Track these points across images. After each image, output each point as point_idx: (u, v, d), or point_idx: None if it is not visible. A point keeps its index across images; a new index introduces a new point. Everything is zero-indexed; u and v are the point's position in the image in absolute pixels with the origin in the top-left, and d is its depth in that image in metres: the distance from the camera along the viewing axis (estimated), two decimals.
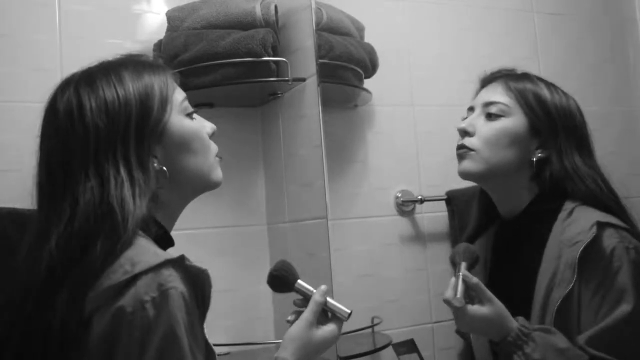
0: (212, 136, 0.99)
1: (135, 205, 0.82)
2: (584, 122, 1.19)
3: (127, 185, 0.82)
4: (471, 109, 1.23)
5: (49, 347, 0.75)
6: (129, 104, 0.87)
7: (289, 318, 1.00)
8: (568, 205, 1.12)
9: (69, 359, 0.75)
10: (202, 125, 0.97)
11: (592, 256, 1.04)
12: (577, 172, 1.12)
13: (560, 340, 1.02)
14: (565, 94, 1.21)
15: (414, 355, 1.50)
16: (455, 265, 1.09)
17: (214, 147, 0.99)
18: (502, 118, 1.17)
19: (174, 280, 0.76)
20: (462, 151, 1.19)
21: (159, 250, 0.83)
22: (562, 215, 1.12)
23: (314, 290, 1.00)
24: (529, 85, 1.19)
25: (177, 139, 0.92)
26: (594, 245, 1.04)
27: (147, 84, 0.90)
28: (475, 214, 1.30)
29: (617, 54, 1.87)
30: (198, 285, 0.80)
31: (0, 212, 1.23)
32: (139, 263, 0.77)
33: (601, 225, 1.05)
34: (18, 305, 0.80)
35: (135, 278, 0.75)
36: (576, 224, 1.08)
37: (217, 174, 0.98)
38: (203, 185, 0.97)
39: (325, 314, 1.00)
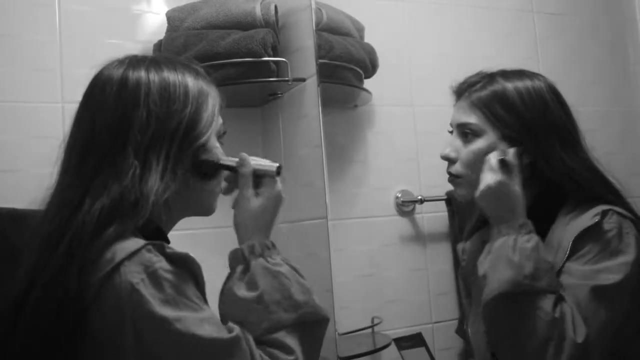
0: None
1: (156, 201, 0.82)
2: (562, 112, 1.15)
3: (159, 182, 0.83)
4: (452, 127, 1.21)
5: (63, 316, 0.75)
6: (186, 106, 0.88)
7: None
8: (571, 203, 1.12)
9: (79, 336, 0.75)
10: (224, 154, 0.97)
11: (588, 236, 1.04)
12: (570, 173, 1.10)
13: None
14: (534, 82, 1.15)
15: (422, 350, 1.48)
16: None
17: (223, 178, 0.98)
18: (476, 139, 1.15)
19: (158, 261, 0.78)
20: (450, 179, 1.20)
21: (140, 240, 0.82)
22: (563, 211, 1.11)
23: (236, 161, 0.96)
24: (493, 95, 1.14)
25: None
26: (593, 229, 1.04)
27: (203, 93, 0.91)
28: (476, 210, 1.29)
29: (617, 54, 1.87)
30: (184, 268, 0.81)
31: (0, 212, 1.23)
32: (120, 251, 0.77)
33: (605, 212, 1.05)
34: (37, 268, 0.79)
35: (118, 266, 0.76)
36: (581, 218, 1.08)
37: (215, 205, 0.98)
38: (199, 209, 0.97)
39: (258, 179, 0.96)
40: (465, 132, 1.16)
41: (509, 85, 1.15)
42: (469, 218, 1.37)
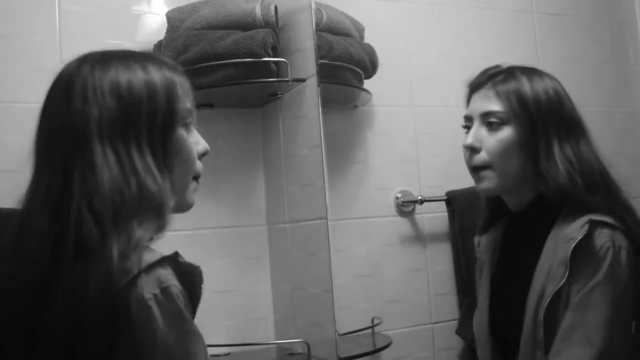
0: (202, 156, 0.94)
1: (167, 197, 0.83)
2: (571, 108, 1.16)
3: (154, 173, 0.82)
4: (469, 120, 1.21)
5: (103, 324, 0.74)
6: (154, 93, 0.86)
7: None
8: (567, 209, 1.11)
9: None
10: (196, 142, 0.92)
11: (583, 254, 1.03)
12: (566, 168, 1.10)
13: None
14: (552, 82, 1.17)
15: None
16: None
17: (196, 168, 0.92)
18: (503, 127, 1.14)
19: (172, 279, 0.78)
20: (475, 173, 1.18)
21: (154, 250, 0.82)
22: (563, 212, 1.11)
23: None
24: (514, 89, 1.15)
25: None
26: (585, 243, 1.03)
27: (170, 81, 0.88)
28: (484, 207, 1.29)
29: (617, 55, 1.87)
30: (190, 281, 0.81)
31: (1, 212, 1.22)
32: (137, 262, 0.77)
33: (593, 224, 1.04)
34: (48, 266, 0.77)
35: (135, 277, 0.75)
36: (572, 222, 1.07)
37: (189, 196, 0.93)
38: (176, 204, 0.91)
39: None
40: (491, 122, 1.15)
41: (527, 84, 1.15)
42: (469, 218, 1.37)
